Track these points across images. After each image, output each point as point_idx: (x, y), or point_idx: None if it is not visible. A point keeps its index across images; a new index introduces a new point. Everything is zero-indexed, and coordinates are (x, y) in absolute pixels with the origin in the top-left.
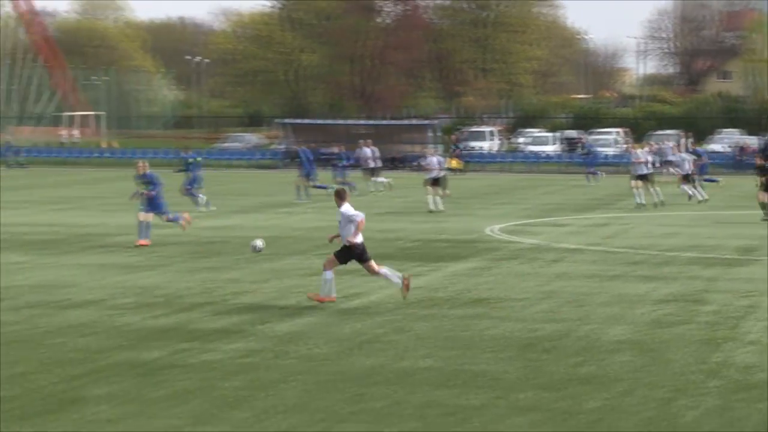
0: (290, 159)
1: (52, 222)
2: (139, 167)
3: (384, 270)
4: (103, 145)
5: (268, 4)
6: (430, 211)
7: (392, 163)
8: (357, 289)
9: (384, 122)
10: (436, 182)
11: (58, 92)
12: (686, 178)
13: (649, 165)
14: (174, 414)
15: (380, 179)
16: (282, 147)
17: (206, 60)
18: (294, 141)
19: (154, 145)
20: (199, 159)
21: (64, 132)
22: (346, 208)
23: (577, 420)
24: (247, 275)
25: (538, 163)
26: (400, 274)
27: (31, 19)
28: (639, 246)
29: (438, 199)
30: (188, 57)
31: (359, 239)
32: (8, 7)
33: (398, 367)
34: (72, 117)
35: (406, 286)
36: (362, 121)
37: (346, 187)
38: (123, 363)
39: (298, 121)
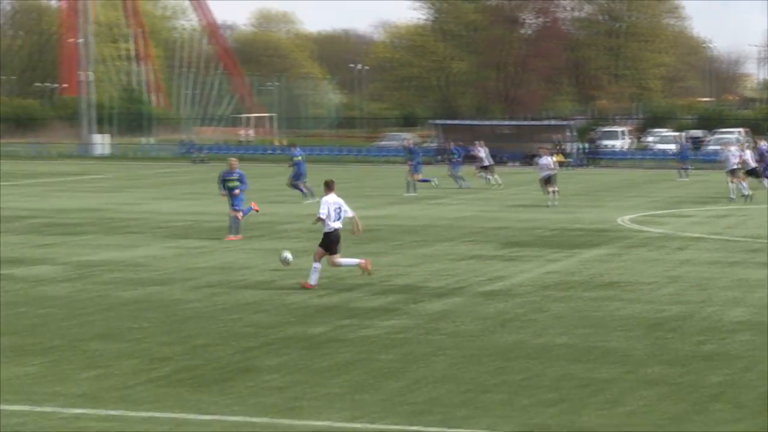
0: (441, 155)
1: (224, 211)
2: (232, 164)
3: (343, 261)
4: (276, 143)
5: (423, 17)
6: (548, 206)
7: (532, 159)
8: (500, 273)
9: (525, 123)
10: (549, 180)
11: (236, 96)
12: (750, 173)
13: (739, 162)
14: (335, 383)
15: (494, 176)
16: (434, 145)
17: (366, 67)
18: (444, 140)
19: (320, 143)
20: (302, 156)
21: (241, 131)
22: (328, 198)
23: (700, 393)
24: (402, 259)
25: (665, 159)
26: (357, 259)
27: (213, 31)
28: (757, 235)
29: (547, 193)
30: (351, 65)
31: (336, 227)
32: (194, 21)
33: (537, 343)
34: (248, 118)
35: (365, 265)
36: (506, 122)
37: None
38: (291, 337)
39: (448, 121)
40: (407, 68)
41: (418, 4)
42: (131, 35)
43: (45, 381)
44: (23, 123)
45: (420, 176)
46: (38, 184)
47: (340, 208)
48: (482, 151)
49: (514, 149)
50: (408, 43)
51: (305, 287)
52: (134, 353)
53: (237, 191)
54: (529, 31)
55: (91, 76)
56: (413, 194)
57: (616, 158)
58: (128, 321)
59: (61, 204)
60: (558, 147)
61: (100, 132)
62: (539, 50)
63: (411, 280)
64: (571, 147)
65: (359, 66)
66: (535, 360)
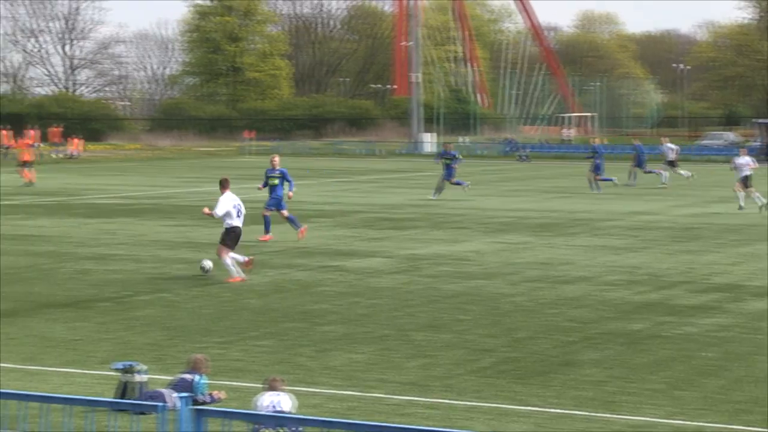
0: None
1: (549, 208)
2: (273, 161)
3: (228, 260)
4: (597, 141)
5: (748, 16)
6: (740, 208)
7: None
8: None
9: None
10: (745, 180)
11: (558, 96)
12: None
13: None
14: (654, 379)
15: (682, 171)
16: (758, 144)
17: (688, 67)
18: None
19: (641, 142)
20: (459, 156)
21: (563, 130)
22: (226, 196)
23: None
24: (723, 258)
25: None
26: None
27: (537, 33)
28: None
29: (751, 195)
30: (673, 65)
31: (238, 224)
32: (519, 23)
33: None
34: (570, 117)
35: (247, 263)
36: None
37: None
38: (611, 332)
39: None
40: (730, 67)
41: (743, 3)
42: (459, 38)
43: (375, 368)
44: (357, 122)
45: (601, 176)
46: (370, 181)
47: (239, 205)
48: (667, 147)
49: None
50: (732, 43)
51: (234, 281)
52: (458, 344)
53: (279, 192)
54: None
55: (421, 77)
56: (597, 191)
57: None
58: (453, 313)
59: (392, 199)
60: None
61: (428, 131)
62: None
63: (732, 279)
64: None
65: (681, 66)
66: None
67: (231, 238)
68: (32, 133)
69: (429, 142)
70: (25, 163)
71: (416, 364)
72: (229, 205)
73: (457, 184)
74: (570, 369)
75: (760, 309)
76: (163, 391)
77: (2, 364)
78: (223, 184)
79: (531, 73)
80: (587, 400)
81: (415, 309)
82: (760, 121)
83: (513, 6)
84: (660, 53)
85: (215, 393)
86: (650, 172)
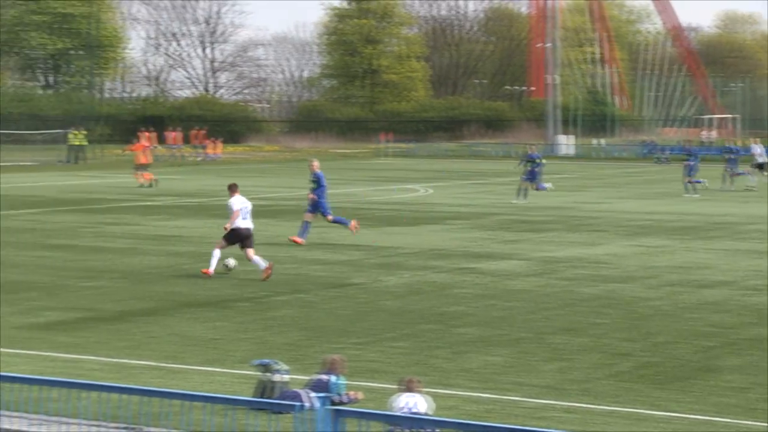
0: None
1: (688, 211)
2: (314, 166)
3: (255, 258)
4: (738, 144)
5: None
6: None
7: None
8: None
9: None
10: None
11: (698, 98)
12: None
13: None
14: None
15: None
16: None
17: None
18: None
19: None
20: (543, 160)
21: (703, 132)
22: (233, 199)
23: None
24: None
25: None
26: (266, 263)
27: (677, 34)
28: None
29: None
30: None
31: (243, 225)
32: (658, 24)
33: None
34: (710, 119)
35: (267, 270)
36: None
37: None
38: (753, 338)
39: None
40: None
41: None
42: (597, 39)
43: (511, 371)
44: (493, 124)
45: (692, 178)
46: (506, 183)
47: (247, 208)
48: (758, 149)
49: None
50: None
51: (204, 273)
52: (596, 348)
53: (313, 195)
54: None
55: (558, 79)
56: (695, 195)
57: None
58: (590, 316)
59: (527, 202)
60: None
61: (565, 133)
62: None
63: None
64: None
65: None
66: None
67: (233, 236)
68: (173, 135)
69: (566, 144)
70: (141, 166)
71: (553, 367)
72: (239, 208)
73: (540, 188)
74: (711, 375)
75: None
76: (300, 391)
77: (145, 362)
78: (232, 189)
79: (670, 74)
80: (729, 406)
81: (552, 312)
82: None
83: (652, 7)
84: None
85: (352, 393)
86: (739, 174)
